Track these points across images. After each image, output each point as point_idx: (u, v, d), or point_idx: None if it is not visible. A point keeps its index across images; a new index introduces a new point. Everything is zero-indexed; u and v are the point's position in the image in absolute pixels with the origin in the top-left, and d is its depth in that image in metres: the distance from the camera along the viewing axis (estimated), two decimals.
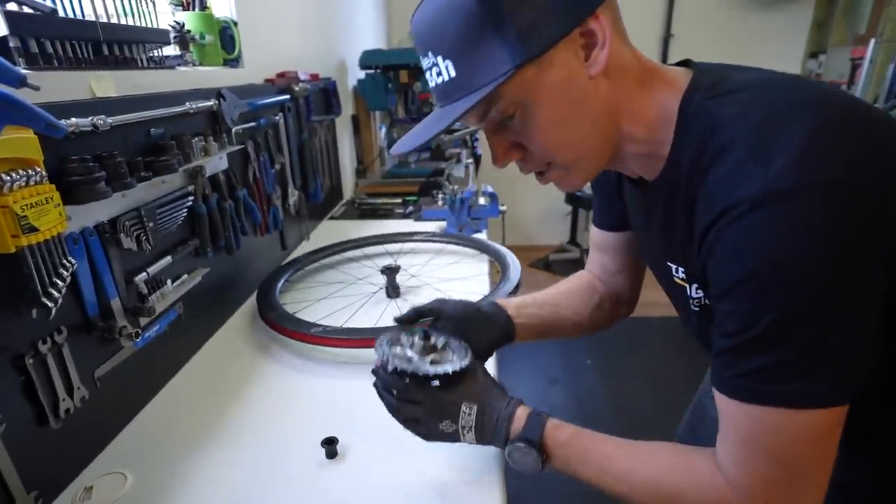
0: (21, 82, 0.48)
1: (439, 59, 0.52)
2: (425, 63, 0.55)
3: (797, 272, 0.42)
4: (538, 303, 0.82)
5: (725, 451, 0.50)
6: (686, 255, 0.56)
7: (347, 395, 0.88)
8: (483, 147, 3.00)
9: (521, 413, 0.62)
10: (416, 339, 0.68)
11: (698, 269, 0.51)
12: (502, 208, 1.60)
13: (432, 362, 0.65)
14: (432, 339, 0.68)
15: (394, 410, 0.66)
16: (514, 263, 1.18)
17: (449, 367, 0.62)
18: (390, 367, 0.63)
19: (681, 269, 0.59)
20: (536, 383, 2.51)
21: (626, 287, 0.84)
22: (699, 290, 0.57)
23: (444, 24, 0.50)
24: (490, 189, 1.65)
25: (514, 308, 0.78)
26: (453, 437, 0.64)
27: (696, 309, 0.59)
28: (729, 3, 3.45)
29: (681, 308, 0.65)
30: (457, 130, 2.86)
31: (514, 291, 1.08)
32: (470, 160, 2.73)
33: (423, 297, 1.17)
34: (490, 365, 0.91)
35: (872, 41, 2.59)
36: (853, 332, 0.44)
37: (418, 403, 0.63)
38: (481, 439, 0.63)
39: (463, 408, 0.62)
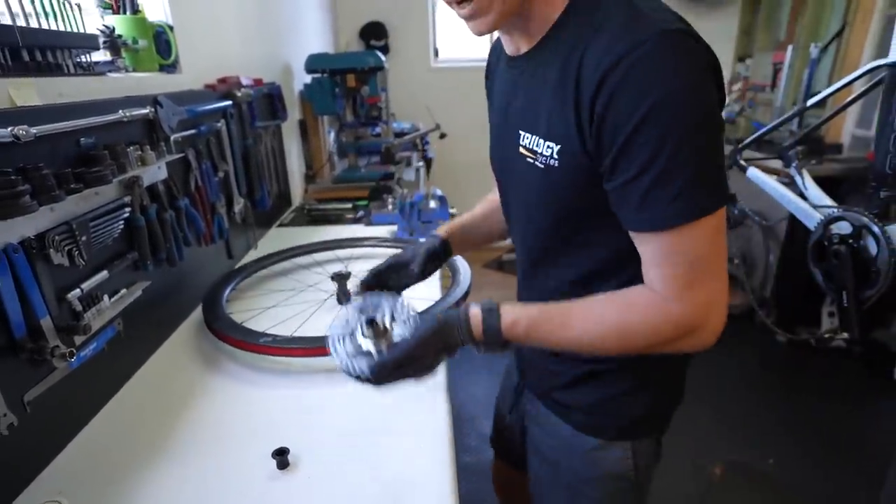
0: None
1: None
2: None
3: (694, 96, 0.52)
4: (465, 227, 0.96)
5: (654, 275, 0.59)
6: (552, 116, 0.62)
7: (298, 405, 0.87)
8: (434, 149, 3.02)
9: (476, 322, 0.65)
10: (365, 329, 0.69)
11: (581, 123, 0.58)
12: (452, 211, 1.62)
13: (388, 345, 0.67)
14: (379, 322, 0.69)
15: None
16: (464, 268, 1.20)
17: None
18: (354, 374, 0.65)
19: (531, 134, 0.66)
20: (492, 381, 2.54)
21: None
22: (550, 148, 0.63)
23: None
24: (440, 193, 1.66)
25: (446, 233, 0.92)
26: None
27: (541, 167, 0.65)
28: None
29: (515, 180, 0.73)
30: (406, 133, 2.88)
31: (465, 296, 1.10)
32: (420, 163, 2.74)
33: None
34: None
35: (790, 48, 2.78)
36: (721, 144, 0.56)
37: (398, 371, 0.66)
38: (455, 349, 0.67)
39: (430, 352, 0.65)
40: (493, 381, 2.58)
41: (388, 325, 0.69)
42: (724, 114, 0.61)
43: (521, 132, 0.68)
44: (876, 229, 1.07)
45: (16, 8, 0.80)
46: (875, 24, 2.62)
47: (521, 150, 0.68)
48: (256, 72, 1.74)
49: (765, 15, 3.51)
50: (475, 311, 0.65)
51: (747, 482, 1.90)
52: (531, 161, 0.66)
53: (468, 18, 0.63)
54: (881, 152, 1.11)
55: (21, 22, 0.81)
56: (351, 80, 2.30)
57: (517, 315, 0.64)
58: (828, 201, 1.24)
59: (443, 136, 2.83)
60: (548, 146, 0.63)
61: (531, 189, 0.69)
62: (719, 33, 3.67)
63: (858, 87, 1.58)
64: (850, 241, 1.13)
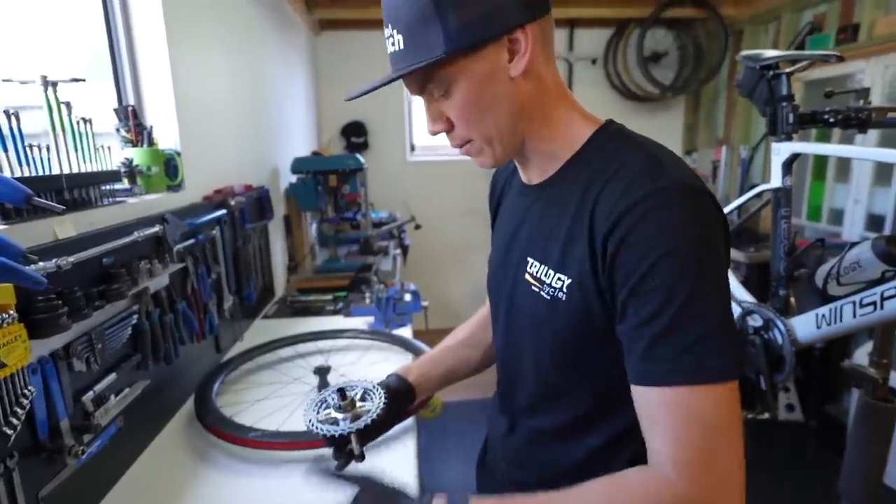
0: (24, 258, 0.61)
1: (395, 31, 0.63)
2: (386, 32, 0.65)
3: (705, 252, 0.54)
4: (433, 363, 0.93)
5: (658, 444, 0.54)
6: (566, 248, 0.63)
7: (285, 497, 0.96)
8: (411, 238, 3.23)
9: None
10: (336, 398, 0.78)
11: (595, 259, 0.59)
12: (424, 304, 1.78)
13: (353, 417, 0.76)
14: (348, 395, 0.79)
15: None
16: (427, 349, 1.34)
17: (364, 421, 0.75)
18: (317, 432, 0.74)
19: (540, 263, 0.67)
20: (463, 466, 2.56)
21: None
22: (560, 280, 0.64)
23: (404, 5, 0.61)
24: (413, 287, 1.83)
25: (414, 378, 0.87)
26: None
27: (547, 297, 0.65)
28: (616, 108, 4.01)
29: (515, 308, 0.73)
30: (385, 224, 3.10)
31: None
32: (398, 251, 2.93)
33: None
34: (410, 455, 1.04)
35: (724, 148, 3.15)
36: (730, 306, 0.55)
37: None
38: None
39: None
40: (467, 466, 2.60)
41: (356, 399, 0.79)
42: None
43: (529, 259, 0.69)
44: (779, 323, 1.26)
45: (63, 157, 0.97)
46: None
47: (527, 276, 0.69)
48: (248, 177, 1.94)
49: (705, 114, 3.97)
50: (440, 501, 0.62)
51: None
52: (536, 290, 0.67)
53: (468, 155, 0.69)
54: (776, 258, 1.33)
55: (60, 154, 0.97)
56: (333, 180, 2.52)
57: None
58: (747, 297, 1.44)
59: (418, 227, 3.04)
60: (558, 278, 0.64)
61: (531, 319, 0.69)
62: (667, 129, 4.10)
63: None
64: (762, 332, 1.32)
